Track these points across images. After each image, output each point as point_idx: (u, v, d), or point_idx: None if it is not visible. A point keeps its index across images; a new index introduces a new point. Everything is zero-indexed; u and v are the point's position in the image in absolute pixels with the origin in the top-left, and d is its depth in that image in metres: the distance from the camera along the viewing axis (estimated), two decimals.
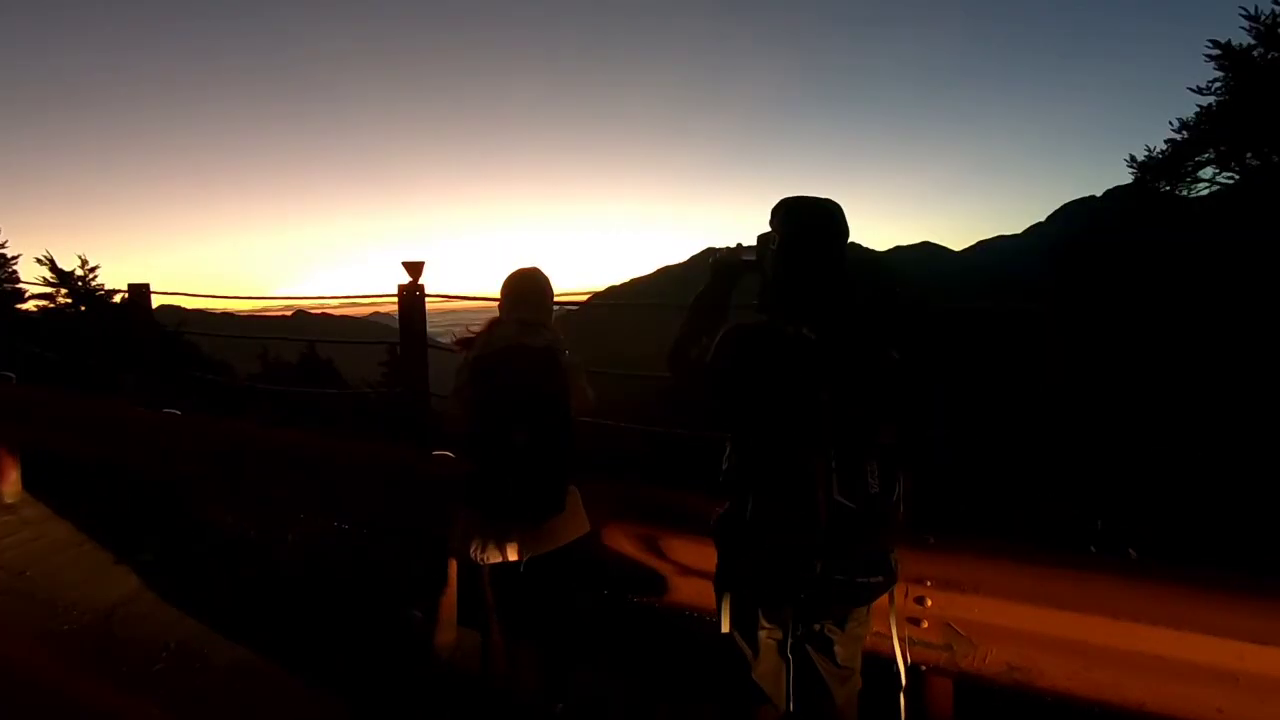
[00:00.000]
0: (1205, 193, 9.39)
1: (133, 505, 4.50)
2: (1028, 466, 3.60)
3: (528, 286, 2.35)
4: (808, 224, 1.68)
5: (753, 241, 1.79)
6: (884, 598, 1.68)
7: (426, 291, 3.50)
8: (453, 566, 2.98)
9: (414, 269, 3.45)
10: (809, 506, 1.53)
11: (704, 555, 2.13)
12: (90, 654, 3.07)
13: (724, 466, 1.69)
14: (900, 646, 1.77)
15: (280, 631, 3.18)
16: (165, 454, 3.86)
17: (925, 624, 2.11)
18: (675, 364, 1.83)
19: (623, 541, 2.61)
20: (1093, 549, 3.71)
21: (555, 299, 2.42)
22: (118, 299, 10.31)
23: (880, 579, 1.62)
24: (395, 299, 3.47)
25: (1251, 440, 4.28)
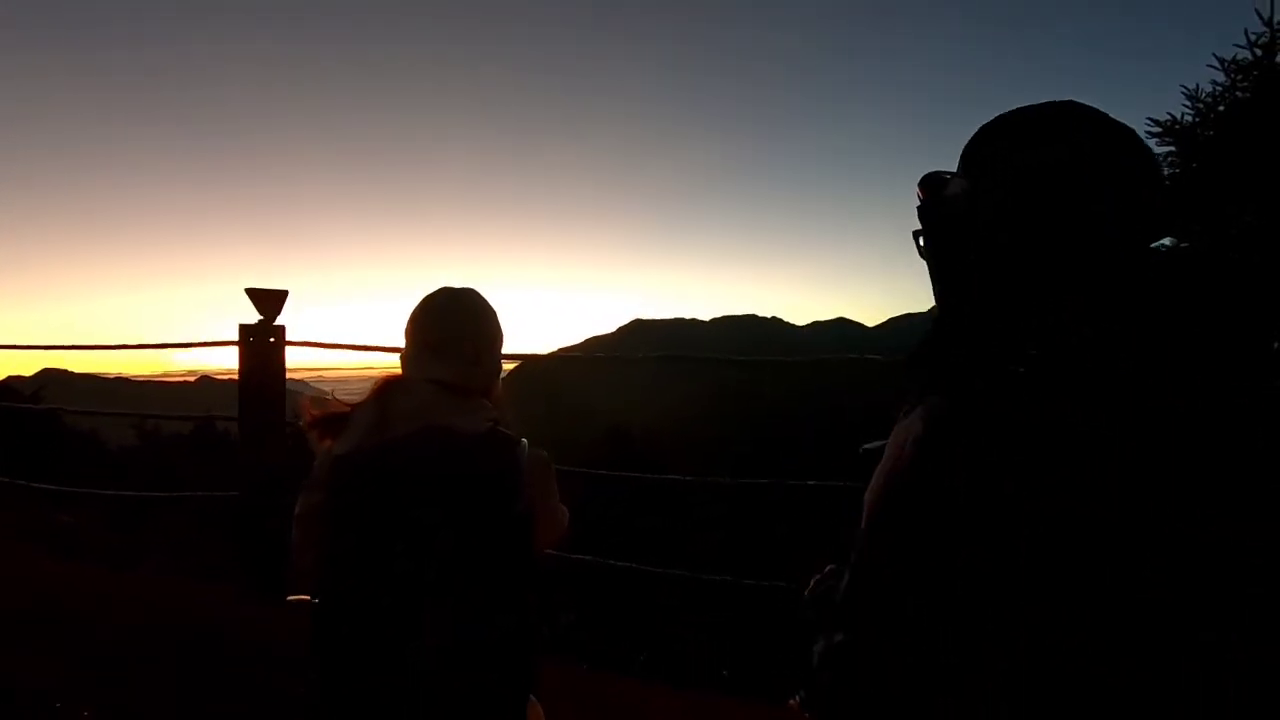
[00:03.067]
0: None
1: None
2: None
3: (455, 320, 1.16)
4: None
5: None
6: None
7: (288, 338, 2.22)
8: None
9: (267, 301, 2.18)
10: None
11: None
12: None
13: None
14: None
15: None
16: None
17: None
18: None
19: None
20: None
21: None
22: None
23: None
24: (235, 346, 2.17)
25: None
